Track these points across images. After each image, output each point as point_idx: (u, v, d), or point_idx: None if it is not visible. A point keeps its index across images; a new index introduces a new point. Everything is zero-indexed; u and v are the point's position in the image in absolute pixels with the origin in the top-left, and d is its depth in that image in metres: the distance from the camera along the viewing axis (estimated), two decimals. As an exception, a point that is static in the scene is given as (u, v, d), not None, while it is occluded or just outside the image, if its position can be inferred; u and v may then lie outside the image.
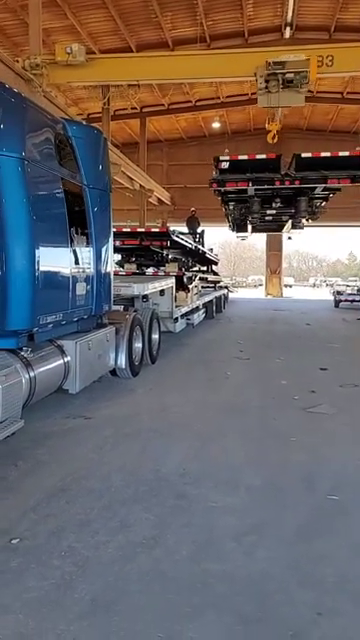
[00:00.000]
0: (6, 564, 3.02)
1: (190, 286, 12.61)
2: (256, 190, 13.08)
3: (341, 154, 12.39)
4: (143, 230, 13.54)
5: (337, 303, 23.94)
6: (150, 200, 26.66)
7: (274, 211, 15.04)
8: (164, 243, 12.63)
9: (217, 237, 39.39)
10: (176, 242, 12.70)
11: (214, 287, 18.93)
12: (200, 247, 16.47)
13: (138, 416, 5.91)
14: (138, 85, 15.86)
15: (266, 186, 12.79)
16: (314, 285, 58.86)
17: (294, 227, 18.18)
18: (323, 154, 12.45)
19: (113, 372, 7.35)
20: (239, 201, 14.65)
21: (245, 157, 12.90)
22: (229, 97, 25.18)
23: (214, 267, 20.59)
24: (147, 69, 12.81)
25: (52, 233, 5.29)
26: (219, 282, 20.54)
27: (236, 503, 3.84)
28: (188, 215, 20.24)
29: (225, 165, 12.40)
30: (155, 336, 8.95)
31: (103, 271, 6.59)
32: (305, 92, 11.44)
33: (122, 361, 7.27)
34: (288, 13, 18.01)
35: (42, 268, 4.84)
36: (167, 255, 13.53)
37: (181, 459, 4.65)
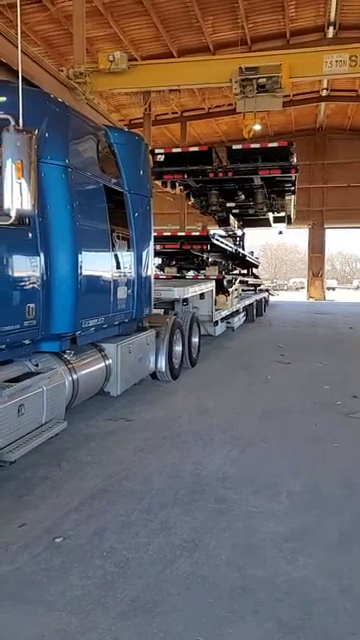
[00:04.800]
0: (50, 562, 3.10)
1: (230, 289, 12.58)
2: (195, 181, 13.69)
3: (270, 145, 12.91)
4: (183, 234, 13.62)
5: (382, 306, 23.34)
6: (190, 204, 26.68)
7: (233, 204, 15.19)
8: (204, 246, 12.67)
9: (258, 240, 39.12)
10: (216, 245, 12.70)
11: (254, 290, 18.80)
12: (240, 250, 16.40)
13: (178, 419, 5.94)
14: (179, 90, 15.98)
15: (200, 177, 13.31)
16: (358, 287, 57.52)
17: (276, 222, 18.14)
18: (253, 145, 12.92)
19: (153, 375, 7.42)
20: (199, 194, 14.99)
21: (179, 150, 13.70)
22: (270, 99, 24.96)
23: (254, 270, 20.44)
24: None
25: (94, 238, 5.40)
26: (260, 285, 20.38)
27: (277, 509, 3.81)
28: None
29: (161, 158, 12.85)
30: (195, 339, 8.97)
31: (144, 275, 6.66)
32: (281, 96, 11.74)
33: (162, 364, 7.33)
34: (331, 12, 17.72)
35: (85, 273, 4.95)
36: (207, 258, 13.54)
37: (221, 463, 4.65)
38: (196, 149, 13.76)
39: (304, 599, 2.81)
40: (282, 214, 17.19)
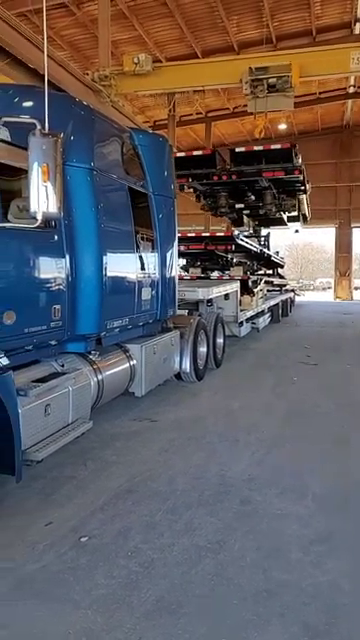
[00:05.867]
0: (76, 561, 3.13)
1: (255, 290, 12.50)
2: (200, 184, 13.84)
3: (273, 147, 12.79)
4: (208, 234, 13.60)
5: None
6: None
7: (243, 205, 15.19)
8: (229, 247, 12.64)
9: (283, 240, 38.77)
10: (241, 246, 12.65)
11: (280, 290, 18.65)
12: (265, 250, 16.29)
13: (203, 420, 5.93)
14: (203, 90, 15.97)
15: (205, 180, 13.37)
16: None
17: (291, 221, 18.01)
18: (256, 148, 12.84)
19: (178, 376, 7.42)
20: (209, 196, 14.99)
21: (183, 154, 13.76)
22: (296, 97, 24.68)
23: (280, 270, 20.28)
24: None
25: (119, 240, 5.44)
26: (285, 285, 20.21)
27: (302, 511, 3.77)
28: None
29: None
30: (220, 340, 8.95)
31: (168, 276, 6.68)
32: (292, 96, 11.72)
33: (187, 365, 7.33)
34: (357, 9, 17.45)
35: (110, 274, 4.99)
36: (232, 259, 13.49)
37: (246, 464, 4.63)
38: (200, 153, 13.87)
39: (331, 603, 2.78)
40: (294, 213, 17.08)
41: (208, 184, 13.74)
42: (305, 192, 15.41)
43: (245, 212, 16.13)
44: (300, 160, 12.92)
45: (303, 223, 19.75)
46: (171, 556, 3.18)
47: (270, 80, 11.34)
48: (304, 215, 18.47)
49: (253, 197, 14.43)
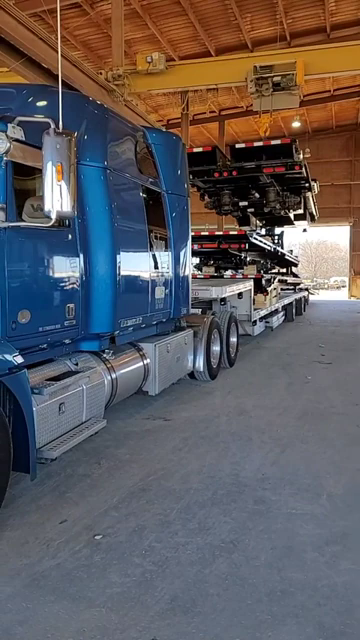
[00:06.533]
0: (90, 558, 3.14)
1: (269, 289, 12.46)
2: (202, 181, 13.83)
3: (273, 142, 12.73)
4: (221, 233, 13.57)
5: None
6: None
7: (246, 202, 15.06)
8: (242, 245, 12.60)
9: (297, 238, 38.60)
10: (254, 244, 12.61)
11: (294, 289, 18.56)
12: (279, 249, 16.21)
13: (216, 419, 5.92)
14: (216, 89, 15.94)
15: (205, 177, 13.34)
16: None
17: (297, 219, 17.84)
18: (256, 144, 12.78)
19: (191, 375, 7.42)
20: (212, 194, 14.91)
21: None
22: (309, 95, 24.53)
23: (294, 269, 20.17)
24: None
25: (133, 239, 5.44)
26: (299, 284, 20.10)
27: (317, 511, 3.74)
28: (266, 217, 19.92)
29: None
30: (233, 339, 8.92)
31: (181, 275, 6.67)
32: (297, 94, 11.74)
33: (200, 364, 7.32)
34: (374, 5, 17.29)
35: (123, 273, 4.99)
36: (245, 257, 13.45)
37: (260, 464, 4.61)
38: (200, 150, 13.86)
39: (347, 604, 2.75)
40: (300, 211, 16.93)
41: (209, 181, 13.68)
42: (310, 189, 15.25)
43: (250, 210, 16.01)
44: (301, 156, 12.84)
45: (310, 221, 19.54)
46: (185, 555, 3.18)
47: (275, 78, 11.38)
48: (311, 214, 18.25)
49: (257, 195, 14.34)
